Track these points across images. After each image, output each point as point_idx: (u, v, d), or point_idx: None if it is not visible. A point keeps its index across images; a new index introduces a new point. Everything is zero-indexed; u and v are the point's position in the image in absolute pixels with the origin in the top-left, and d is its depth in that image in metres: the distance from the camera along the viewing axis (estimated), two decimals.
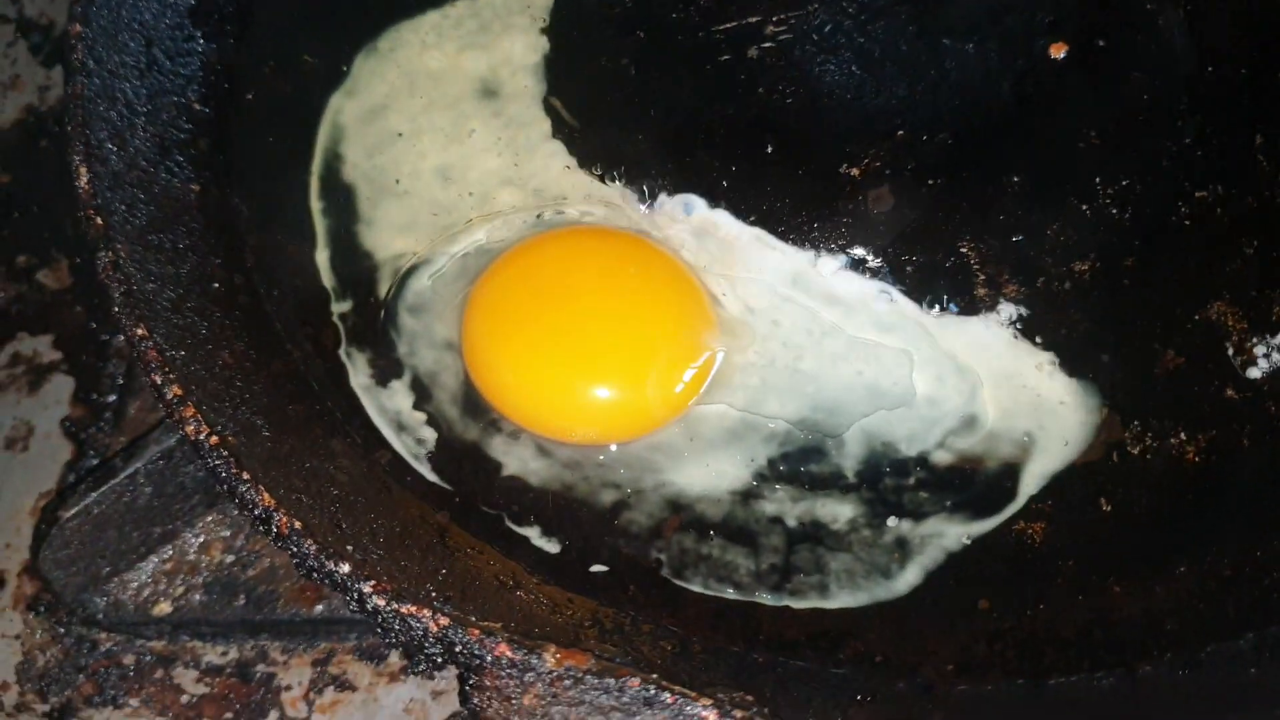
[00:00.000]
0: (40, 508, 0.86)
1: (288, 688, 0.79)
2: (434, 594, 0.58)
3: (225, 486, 0.59)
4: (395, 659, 0.80)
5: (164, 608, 0.78)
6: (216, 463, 0.59)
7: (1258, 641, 0.63)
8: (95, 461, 0.88)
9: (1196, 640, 0.65)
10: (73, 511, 0.74)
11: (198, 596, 0.79)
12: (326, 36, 0.86)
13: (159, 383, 0.61)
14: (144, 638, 0.79)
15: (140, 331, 0.63)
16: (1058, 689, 0.63)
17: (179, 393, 0.61)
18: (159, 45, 0.81)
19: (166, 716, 0.78)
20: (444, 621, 0.55)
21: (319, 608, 0.78)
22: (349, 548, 0.58)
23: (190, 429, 0.60)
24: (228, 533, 0.79)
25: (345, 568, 0.56)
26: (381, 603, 0.55)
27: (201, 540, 0.79)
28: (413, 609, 0.55)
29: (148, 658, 0.80)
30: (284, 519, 0.57)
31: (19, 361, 0.92)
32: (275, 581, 0.79)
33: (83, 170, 0.68)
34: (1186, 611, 0.67)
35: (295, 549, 0.57)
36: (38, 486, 0.87)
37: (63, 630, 0.81)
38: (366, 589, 0.56)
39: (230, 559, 0.79)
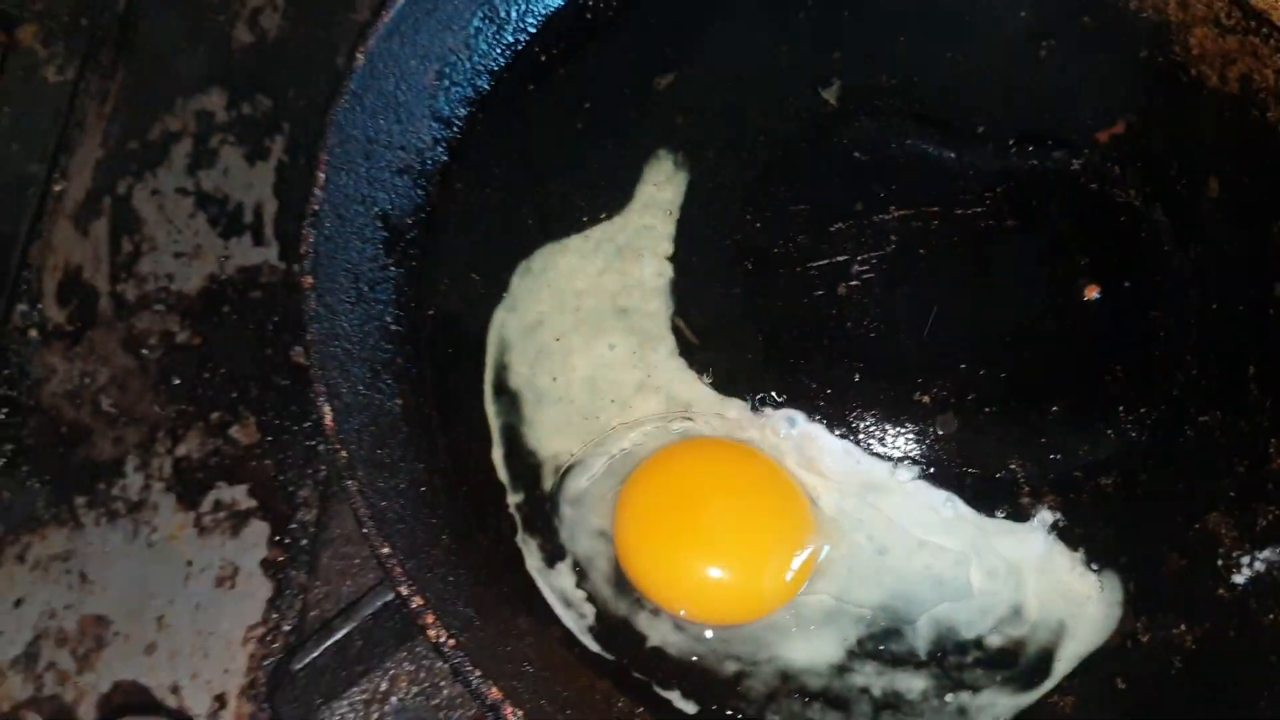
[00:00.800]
0: (252, 638, 1.05)
1: None
2: None
3: (460, 681, 0.78)
4: None
5: None
6: (455, 662, 0.78)
7: None
8: (295, 600, 1.06)
9: None
10: (301, 664, 0.93)
11: None
12: (488, 257, 0.99)
13: (405, 594, 0.80)
14: None
15: (386, 550, 0.82)
16: None
17: (421, 602, 0.80)
18: (363, 278, 0.97)
19: None
20: None
21: None
22: None
23: (431, 634, 0.79)
24: (412, 667, 0.99)
25: None
26: None
27: (392, 673, 0.99)
28: None
29: None
30: (509, 709, 0.77)
31: (221, 508, 1.11)
32: (453, 709, 0.98)
33: (326, 409, 0.86)
34: None
35: None
36: (245, 620, 1.06)
37: None
38: None
39: (415, 690, 0.99)
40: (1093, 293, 0.96)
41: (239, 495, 1.11)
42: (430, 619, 0.77)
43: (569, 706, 0.80)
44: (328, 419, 0.84)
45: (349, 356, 0.92)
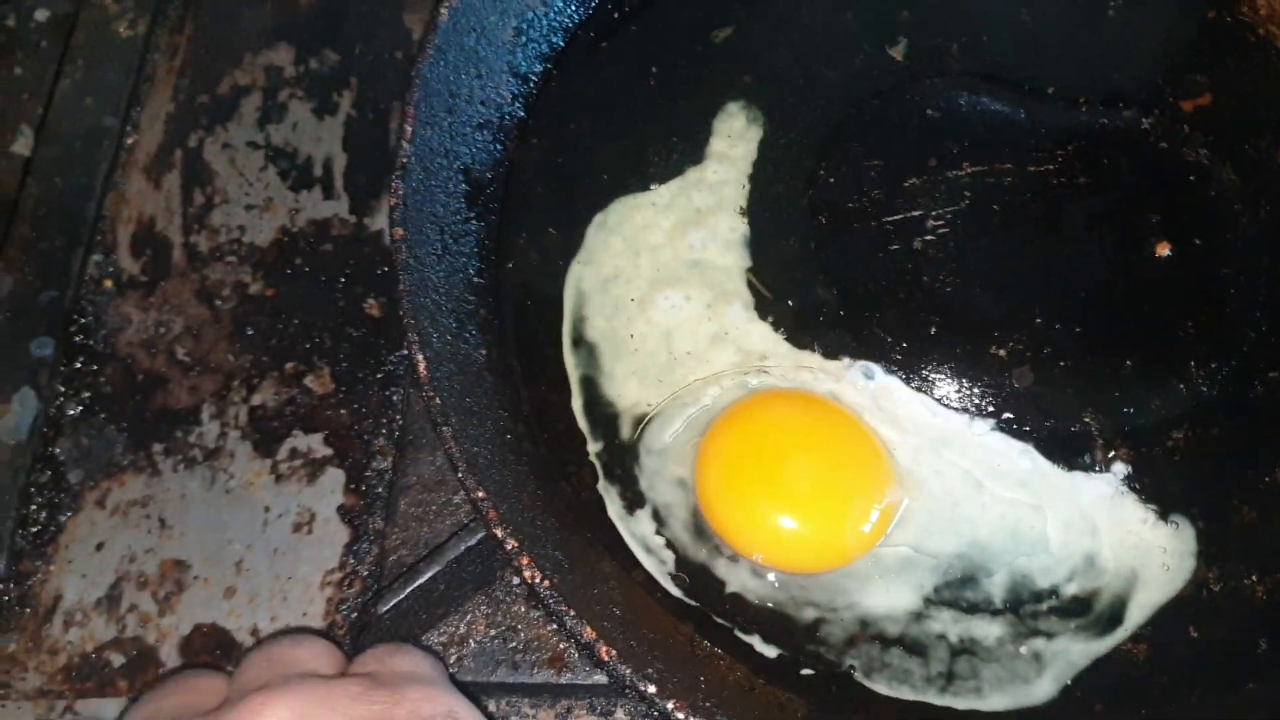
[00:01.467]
0: (330, 583, 1.07)
1: None
2: (706, 702, 0.81)
3: (555, 620, 0.80)
4: (621, 714, 1.01)
5: None
6: (550, 602, 0.81)
7: None
8: (372, 547, 1.08)
9: None
10: (386, 607, 0.95)
11: (468, 662, 1.01)
12: (564, 211, 1.01)
13: (499, 536, 0.82)
14: None
15: (481, 494, 0.84)
16: None
17: (515, 544, 0.82)
18: (448, 231, 0.99)
19: None
20: None
21: (564, 677, 1.00)
22: (649, 670, 0.80)
23: (526, 574, 0.81)
24: (490, 609, 1.01)
25: (652, 689, 0.79)
26: (681, 717, 0.78)
27: (469, 618, 1.01)
28: None
29: None
30: (603, 648, 0.79)
31: (296, 456, 1.13)
32: (529, 651, 1.01)
33: (420, 358, 0.88)
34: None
35: (613, 673, 0.79)
36: (323, 565, 1.08)
37: None
38: (669, 706, 0.78)
39: (493, 633, 1.01)
40: (1164, 250, 0.98)
41: (315, 443, 1.13)
42: (525, 560, 0.79)
43: (656, 648, 0.82)
44: (421, 366, 0.86)
45: (437, 307, 0.93)
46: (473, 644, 0.99)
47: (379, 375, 1.11)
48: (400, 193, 0.92)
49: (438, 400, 0.85)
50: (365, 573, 1.06)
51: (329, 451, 1.12)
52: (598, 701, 0.99)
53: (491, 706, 1.00)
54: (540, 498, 0.90)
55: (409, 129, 0.94)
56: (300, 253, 1.21)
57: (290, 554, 1.09)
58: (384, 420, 1.10)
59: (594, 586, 0.85)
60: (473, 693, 0.97)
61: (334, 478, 1.11)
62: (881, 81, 1.04)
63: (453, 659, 0.99)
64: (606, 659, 0.77)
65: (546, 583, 0.79)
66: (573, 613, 0.78)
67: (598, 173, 1.03)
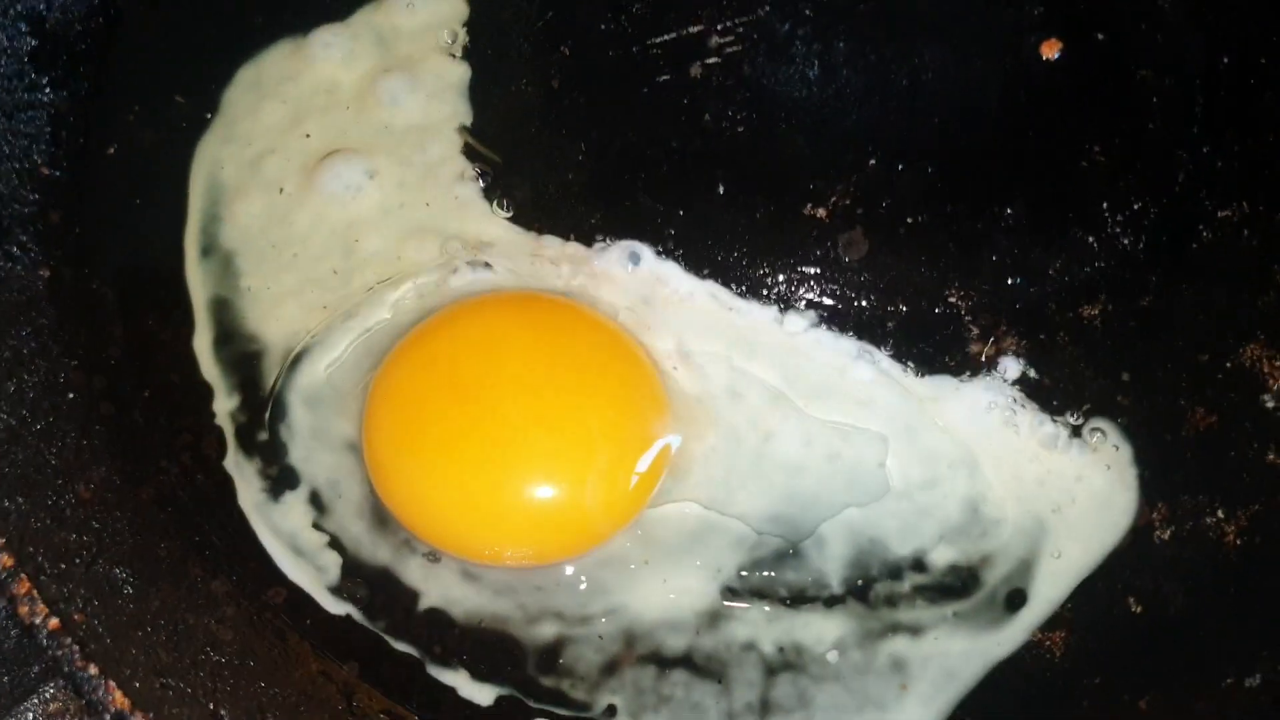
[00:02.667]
0: None
1: None
2: None
3: (68, 684, 0.47)
4: None
5: None
6: (58, 653, 0.47)
7: None
8: None
9: None
10: None
11: None
12: (196, 69, 0.77)
13: None
14: None
15: None
16: None
17: (9, 562, 0.50)
18: None
19: None
20: None
21: None
22: None
23: (22, 610, 0.49)
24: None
25: None
26: None
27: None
28: None
29: None
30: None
31: None
32: None
33: None
34: None
35: None
36: None
37: None
38: None
39: None
40: (1052, 50, 0.71)
41: None
42: (24, 587, 0.48)
43: (277, 708, 0.49)
44: None
45: None
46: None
47: None
48: None
49: None
50: None
51: None
52: None
53: None
54: (113, 486, 0.65)
55: None
56: None
57: None
58: None
59: (181, 617, 0.58)
60: None
61: None
62: None
63: None
64: None
65: (55, 622, 0.46)
66: (94, 670, 0.44)
67: (246, 13, 0.77)
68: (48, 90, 0.75)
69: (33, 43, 0.75)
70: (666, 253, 0.71)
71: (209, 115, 0.76)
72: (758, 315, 0.69)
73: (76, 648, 0.51)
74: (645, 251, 0.71)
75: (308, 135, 0.75)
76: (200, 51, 0.77)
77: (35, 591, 0.52)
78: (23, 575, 0.52)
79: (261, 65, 0.77)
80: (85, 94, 0.76)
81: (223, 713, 0.53)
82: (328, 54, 0.77)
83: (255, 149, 0.75)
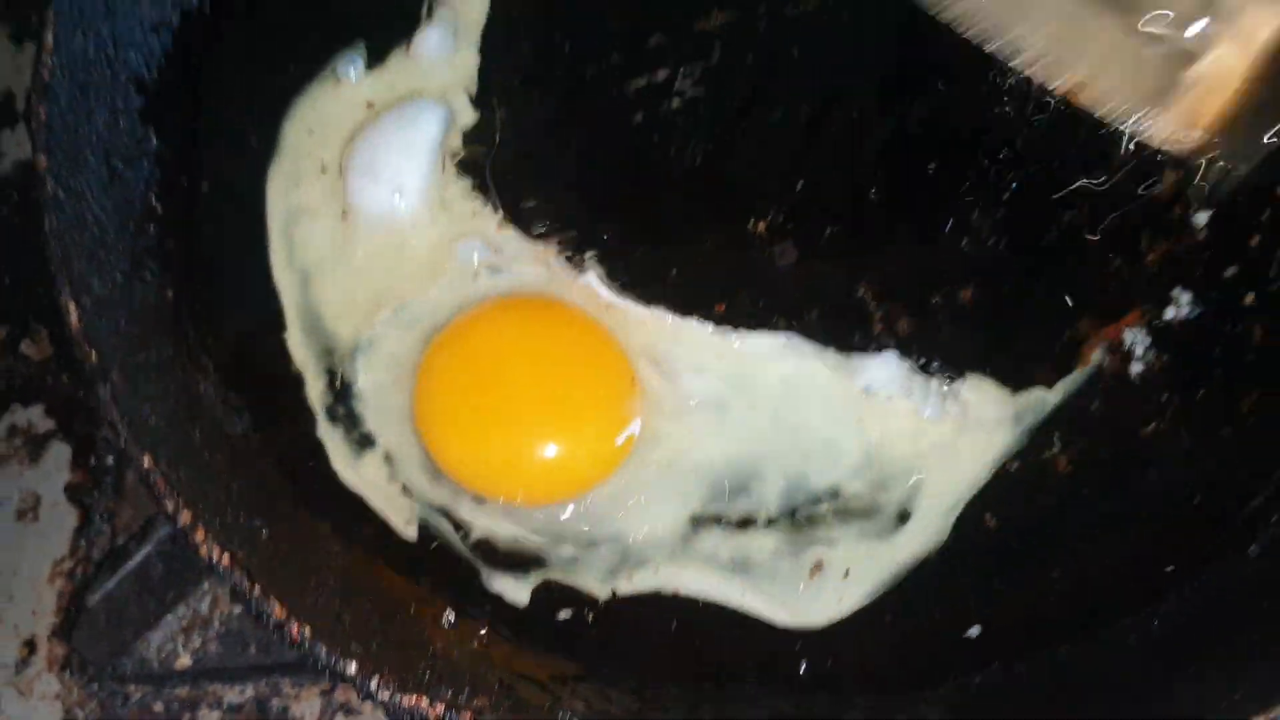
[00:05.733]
0: (60, 573, 0.94)
1: (301, 717, 0.90)
2: (429, 678, 0.69)
3: (241, 601, 0.68)
4: None
5: (184, 661, 0.88)
6: (234, 581, 0.68)
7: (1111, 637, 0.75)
8: (104, 527, 0.95)
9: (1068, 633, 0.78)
10: (97, 596, 0.83)
11: (213, 647, 0.89)
12: (266, 112, 0.89)
13: (170, 509, 0.70)
14: (170, 688, 0.89)
15: (147, 463, 0.71)
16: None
17: (189, 518, 0.70)
18: (116, 154, 0.85)
19: None
20: (440, 710, 0.66)
21: None
22: (354, 646, 0.68)
23: (204, 551, 0.69)
24: None
25: (353, 667, 0.67)
26: (386, 695, 0.66)
27: (211, 597, 0.89)
28: (412, 699, 0.66)
29: (175, 704, 0.90)
30: (296, 627, 0.67)
31: (16, 433, 1.00)
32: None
33: (71, 306, 0.75)
34: (1062, 607, 0.79)
35: (310, 654, 0.67)
36: (52, 554, 0.96)
37: (96, 687, 0.90)
38: (373, 685, 0.67)
39: (238, 610, 0.89)
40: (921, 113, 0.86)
41: (35, 417, 1.01)
42: (201, 535, 0.67)
43: (381, 617, 0.70)
44: (73, 318, 0.74)
45: (101, 245, 0.81)
46: (217, 625, 0.87)
47: None
48: (44, 117, 0.77)
49: (94, 356, 0.71)
50: (99, 558, 0.93)
51: (51, 425, 0.98)
52: None
53: (250, 692, 0.88)
54: (240, 458, 0.80)
55: (50, 40, 0.78)
56: (6, 201, 1.06)
57: (14, 546, 0.97)
58: None
59: (304, 554, 0.73)
60: (224, 679, 0.89)
61: (59, 454, 0.99)
62: None
63: (196, 645, 0.86)
64: (299, 639, 0.64)
65: (227, 558, 0.66)
66: (259, 590, 0.65)
67: (302, 62, 0.89)
68: (154, 140, 0.86)
69: (140, 101, 0.86)
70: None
71: (276, 148, 0.88)
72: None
73: (243, 574, 0.71)
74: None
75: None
76: (265, 94, 0.89)
77: (209, 536, 0.72)
78: (200, 525, 0.72)
79: (311, 104, 0.90)
80: (180, 141, 0.88)
81: (345, 619, 0.73)
82: (362, 94, 0.90)
83: (309, 176, 0.88)
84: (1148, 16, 0.77)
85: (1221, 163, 0.79)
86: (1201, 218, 0.82)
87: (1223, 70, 0.76)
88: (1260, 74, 0.75)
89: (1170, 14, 0.76)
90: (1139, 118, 0.78)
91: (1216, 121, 0.77)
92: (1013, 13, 0.78)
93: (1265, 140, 0.75)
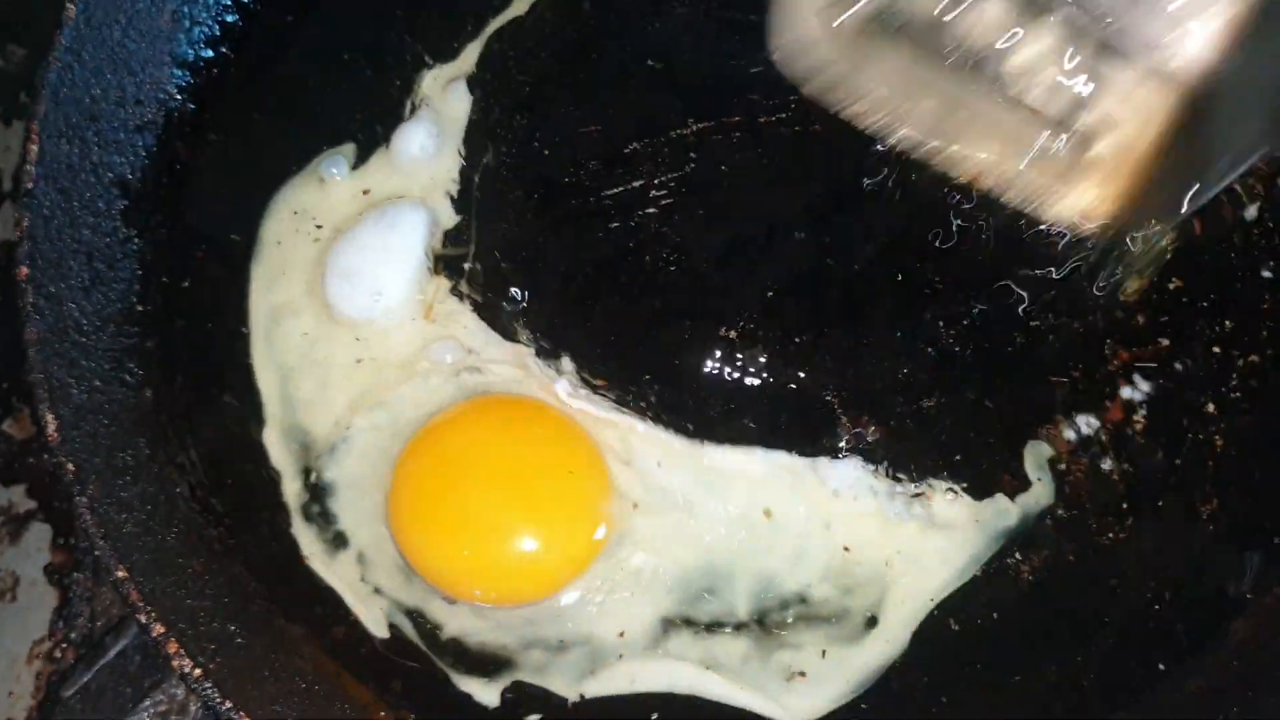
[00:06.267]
0: (39, 655, 0.95)
1: None
2: None
3: (213, 714, 0.70)
4: None
5: None
6: (204, 694, 0.70)
7: None
8: (83, 608, 0.97)
9: None
10: (72, 690, 0.84)
11: None
12: (249, 212, 0.92)
13: (144, 622, 0.71)
14: None
15: (121, 573, 0.73)
16: None
17: (162, 630, 0.71)
18: (99, 257, 0.87)
19: None
20: None
21: None
22: None
23: (175, 664, 0.70)
24: None
25: None
26: None
27: None
28: None
29: None
30: None
31: None
32: None
33: (50, 418, 0.77)
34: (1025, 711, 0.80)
35: None
36: (30, 634, 0.96)
37: None
38: None
39: None
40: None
41: (16, 496, 1.01)
42: (174, 647, 0.68)
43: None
44: (51, 429, 0.74)
45: (81, 350, 0.83)
46: (193, 710, 0.87)
47: None
48: (26, 224, 0.78)
49: (71, 466, 0.73)
50: (78, 638, 0.93)
51: (33, 504, 0.98)
52: None
53: None
54: (217, 560, 0.81)
55: (34, 148, 0.80)
56: None
57: None
58: None
59: (276, 657, 0.74)
60: None
61: (39, 534, 0.98)
62: (597, 31, 0.94)
63: None
64: None
65: (198, 671, 0.67)
66: (229, 704, 0.66)
67: (286, 162, 0.92)
68: (136, 240, 0.89)
69: (123, 203, 0.89)
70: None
71: (257, 248, 0.91)
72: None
73: (214, 689, 0.73)
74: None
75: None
76: (248, 193, 0.92)
77: (181, 649, 0.73)
78: (173, 638, 0.73)
79: (295, 202, 0.92)
80: (163, 240, 0.90)
81: None
82: (343, 192, 0.93)
83: (287, 276, 0.90)
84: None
85: (1143, 231, 0.79)
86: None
87: (1122, 146, 0.76)
88: (1161, 145, 0.76)
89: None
90: (1046, 200, 0.78)
91: (1126, 194, 0.76)
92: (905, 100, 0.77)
93: (1185, 201, 0.75)
